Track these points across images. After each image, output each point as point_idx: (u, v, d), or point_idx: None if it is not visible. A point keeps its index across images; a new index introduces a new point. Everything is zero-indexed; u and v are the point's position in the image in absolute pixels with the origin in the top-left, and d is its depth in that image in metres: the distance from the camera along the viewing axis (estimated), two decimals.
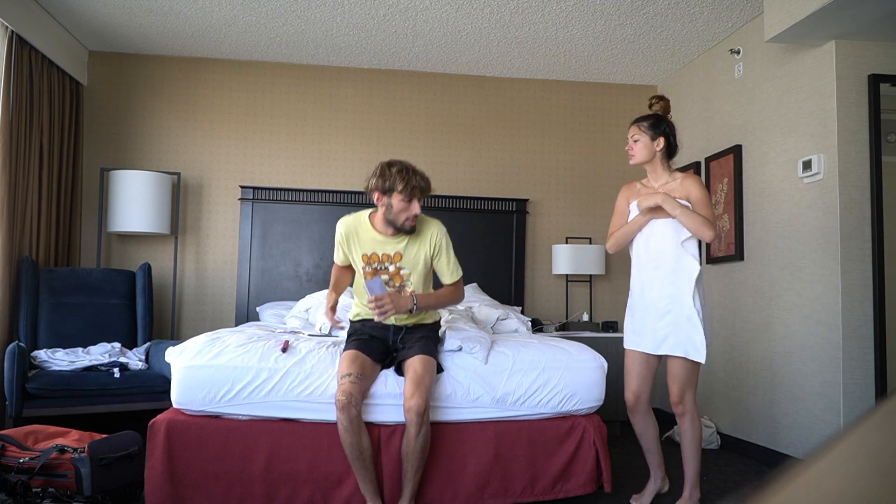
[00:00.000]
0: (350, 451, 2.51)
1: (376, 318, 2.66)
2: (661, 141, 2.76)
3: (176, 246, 4.63)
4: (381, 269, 2.77)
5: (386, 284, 2.71)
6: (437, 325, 2.94)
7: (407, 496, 2.58)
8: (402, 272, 2.78)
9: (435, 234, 2.81)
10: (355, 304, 2.92)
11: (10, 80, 3.72)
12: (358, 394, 2.52)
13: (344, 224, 2.83)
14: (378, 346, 2.76)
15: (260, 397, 2.65)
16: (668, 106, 2.87)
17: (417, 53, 4.70)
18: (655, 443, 2.92)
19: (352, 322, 2.90)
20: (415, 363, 2.62)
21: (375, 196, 2.72)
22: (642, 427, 2.88)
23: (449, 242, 2.84)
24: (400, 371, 2.72)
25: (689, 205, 2.66)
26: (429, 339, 2.77)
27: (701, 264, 2.72)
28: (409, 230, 2.74)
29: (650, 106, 2.89)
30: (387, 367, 2.76)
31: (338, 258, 2.92)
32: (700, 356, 2.66)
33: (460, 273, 2.86)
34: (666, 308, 2.70)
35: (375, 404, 2.70)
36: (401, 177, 2.67)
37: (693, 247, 2.70)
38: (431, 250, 2.80)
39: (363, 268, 2.78)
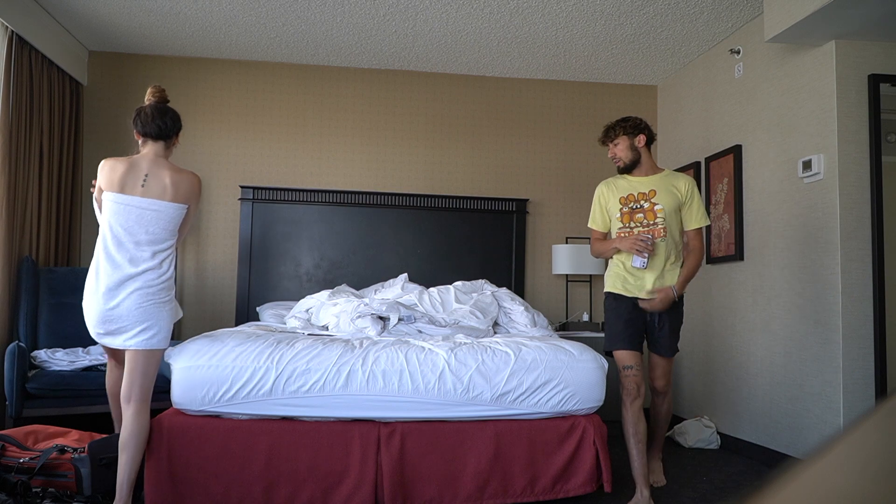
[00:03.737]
0: (632, 435, 2.90)
1: (637, 264, 2.96)
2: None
3: (176, 246, 4.62)
4: (636, 207, 3.04)
5: (640, 223, 3.03)
6: (681, 299, 3.12)
7: (655, 450, 3.27)
8: (656, 207, 3.02)
9: (686, 184, 3.07)
10: (611, 276, 3.13)
11: (10, 80, 3.72)
12: (642, 384, 2.99)
13: (602, 183, 3.20)
14: (637, 330, 3.05)
15: (259, 396, 2.66)
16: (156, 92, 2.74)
17: (417, 53, 4.70)
18: None
19: (606, 298, 3.16)
20: (661, 363, 3.18)
21: None
22: None
23: (698, 194, 3.10)
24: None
25: None
26: (672, 327, 3.11)
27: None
28: (619, 170, 3.14)
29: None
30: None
31: (595, 222, 3.20)
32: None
33: (707, 220, 3.10)
34: None
35: (373, 400, 2.70)
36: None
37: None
38: (682, 197, 3.05)
39: (621, 209, 3.06)
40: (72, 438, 2.82)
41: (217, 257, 4.78)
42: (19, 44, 3.80)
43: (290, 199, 4.75)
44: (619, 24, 4.14)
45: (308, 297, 4.12)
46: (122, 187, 2.60)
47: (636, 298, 3.01)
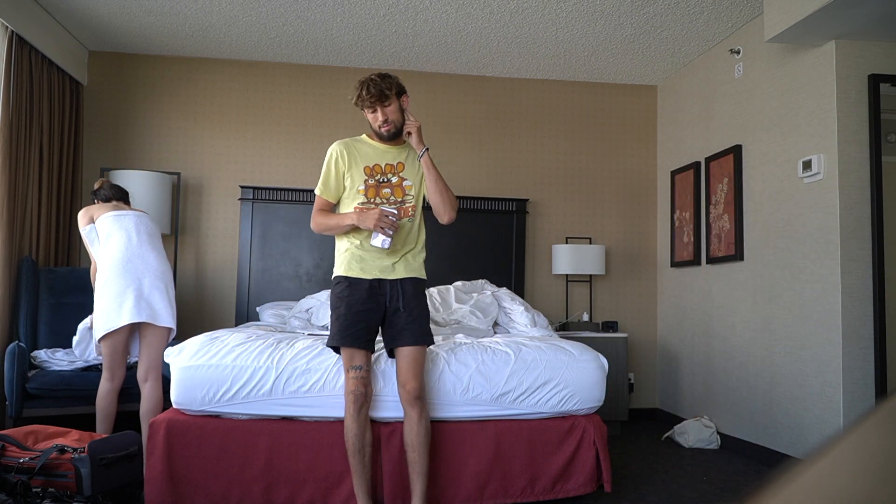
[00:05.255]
0: (353, 442, 2.51)
1: (378, 243, 2.49)
2: None
3: (176, 246, 4.63)
4: (383, 181, 2.60)
5: (387, 199, 2.60)
6: (424, 281, 2.69)
7: (419, 493, 2.54)
8: (404, 183, 2.63)
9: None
10: (343, 258, 2.61)
11: (10, 80, 3.72)
12: (370, 386, 2.56)
13: (339, 143, 2.63)
14: (370, 324, 2.56)
15: (259, 396, 2.66)
16: None
17: (417, 53, 4.70)
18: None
19: (336, 284, 2.61)
20: (412, 353, 2.55)
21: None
22: None
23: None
24: (392, 353, 2.65)
25: None
26: (421, 314, 2.59)
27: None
28: (385, 136, 2.59)
29: None
30: (379, 331, 2.64)
31: (327, 190, 2.62)
32: None
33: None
34: None
35: (376, 400, 2.69)
36: (356, 89, 2.55)
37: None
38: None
39: (365, 181, 2.58)
40: (72, 438, 2.82)
41: (217, 257, 4.78)
42: (19, 44, 3.80)
43: (290, 199, 4.75)
44: (619, 24, 4.14)
45: (308, 297, 4.12)
46: (117, 208, 3.32)
47: (375, 280, 2.56)
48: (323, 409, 2.69)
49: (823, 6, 3.02)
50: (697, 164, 4.60)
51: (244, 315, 4.64)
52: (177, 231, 4.66)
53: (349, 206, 2.61)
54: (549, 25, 4.19)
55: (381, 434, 2.70)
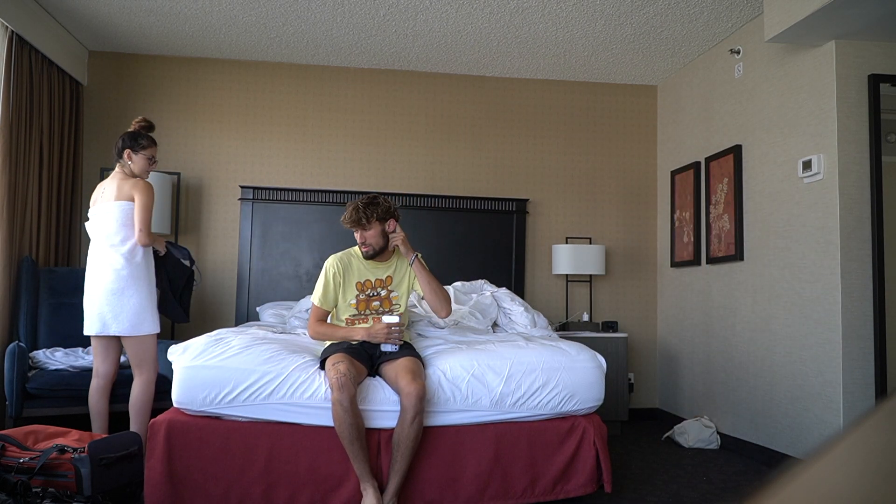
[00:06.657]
0: (349, 432, 2.53)
1: (389, 349, 2.80)
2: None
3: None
4: (373, 294, 2.94)
5: (376, 311, 2.93)
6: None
7: (392, 489, 2.59)
8: (392, 295, 2.96)
9: (406, 264, 3.00)
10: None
11: (10, 80, 3.72)
12: (354, 373, 2.60)
13: (335, 259, 2.97)
14: (362, 353, 2.81)
15: (260, 399, 2.65)
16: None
17: (417, 53, 4.70)
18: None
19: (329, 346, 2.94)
20: (404, 362, 2.72)
21: None
22: None
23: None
24: (379, 374, 2.82)
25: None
26: (412, 349, 2.91)
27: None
28: (365, 255, 2.93)
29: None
30: (371, 375, 2.83)
31: (327, 302, 2.93)
32: None
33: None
34: None
35: (378, 411, 2.69)
36: (346, 211, 2.89)
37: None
38: (411, 276, 3.00)
39: (357, 296, 2.92)
40: (72, 438, 2.82)
41: (217, 257, 4.78)
42: (19, 44, 3.80)
43: (290, 199, 4.75)
44: (619, 24, 4.14)
45: (308, 296, 4.12)
46: (94, 203, 3.26)
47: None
48: (322, 419, 2.66)
49: (823, 6, 3.02)
50: (697, 164, 4.60)
51: (244, 315, 4.63)
52: (177, 231, 4.66)
53: (340, 315, 2.96)
54: (549, 25, 4.19)
55: (380, 438, 2.69)
